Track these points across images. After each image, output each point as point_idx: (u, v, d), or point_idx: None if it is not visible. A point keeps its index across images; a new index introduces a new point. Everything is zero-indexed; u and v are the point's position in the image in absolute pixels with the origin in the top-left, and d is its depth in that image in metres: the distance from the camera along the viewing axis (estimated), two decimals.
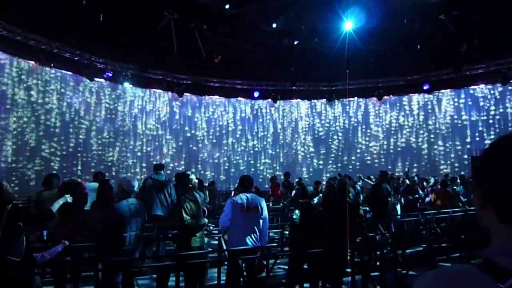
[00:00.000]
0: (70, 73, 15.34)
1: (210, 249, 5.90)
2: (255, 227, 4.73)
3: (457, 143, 17.30)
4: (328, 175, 18.36)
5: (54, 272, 4.07)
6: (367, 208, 8.23)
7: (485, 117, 16.61)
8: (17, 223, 3.48)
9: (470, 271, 0.79)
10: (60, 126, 15.01)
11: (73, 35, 13.57)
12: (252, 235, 4.68)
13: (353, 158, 19.33)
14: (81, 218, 4.51)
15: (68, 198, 4.26)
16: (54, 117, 14.88)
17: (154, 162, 11.85)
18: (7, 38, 12.91)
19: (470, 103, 17.09)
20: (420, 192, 10.55)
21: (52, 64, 14.54)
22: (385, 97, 18.80)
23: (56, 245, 4.05)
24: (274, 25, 14.59)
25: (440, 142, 17.82)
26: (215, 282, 5.19)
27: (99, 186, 5.46)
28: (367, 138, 19.41)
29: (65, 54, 14.60)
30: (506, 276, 0.74)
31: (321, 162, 19.91)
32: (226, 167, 19.59)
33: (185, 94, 18.48)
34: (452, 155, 17.38)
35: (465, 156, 16.80)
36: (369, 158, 19.25)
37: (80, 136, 15.72)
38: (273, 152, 20.32)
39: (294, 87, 19.08)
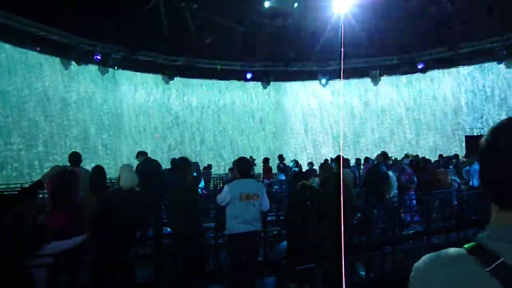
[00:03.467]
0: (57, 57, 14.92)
1: (208, 236, 5.82)
2: (256, 215, 4.47)
3: (452, 121, 17.31)
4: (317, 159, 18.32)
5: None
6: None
7: (480, 96, 16.57)
8: None
9: (460, 255, 0.82)
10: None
11: (60, 18, 13.10)
12: (252, 223, 4.42)
13: (351, 140, 19.28)
14: (74, 207, 4.32)
15: None
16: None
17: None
18: None
19: (464, 81, 17.03)
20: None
21: (38, 48, 14.11)
22: (380, 77, 18.65)
23: (53, 234, 3.83)
24: (267, 4, 14.24)
25: (434, 122, 17.82)
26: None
27: (92, 172, 5.30)
28: (363, 119, 19.34)
29: (52, 37, 14.13)
30: (492, 259, 0.77)
31: (317, 144, 19.86)
32: (219, 150, 19.46)
33: (176, 76, 18.13)
34: (448, 134, 17.42)
35: (461, 133, 16.80)
36: (365, 139, 19.23)
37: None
38: (265, 134, 20.20)
39: (287, 68, 18.81)
